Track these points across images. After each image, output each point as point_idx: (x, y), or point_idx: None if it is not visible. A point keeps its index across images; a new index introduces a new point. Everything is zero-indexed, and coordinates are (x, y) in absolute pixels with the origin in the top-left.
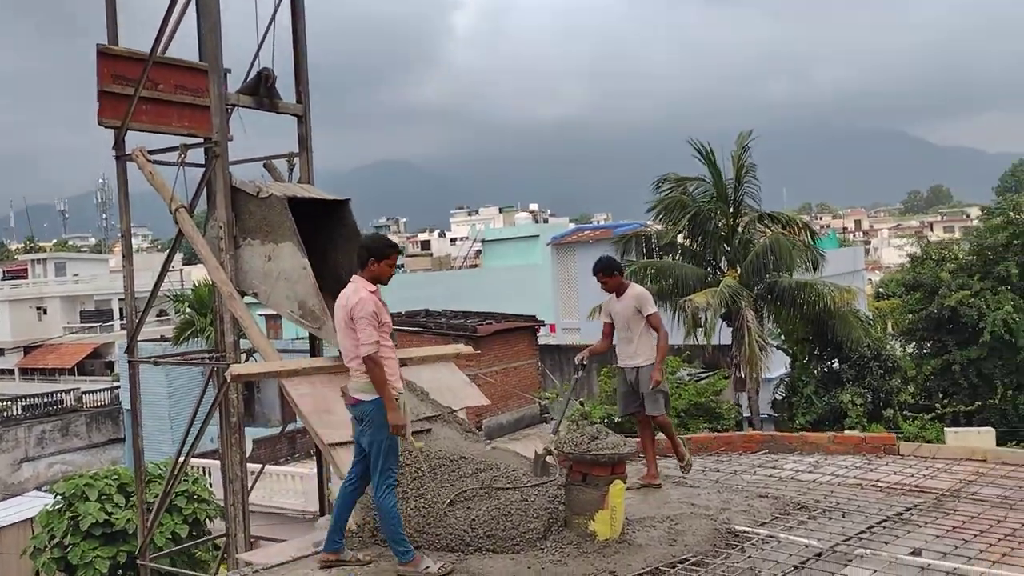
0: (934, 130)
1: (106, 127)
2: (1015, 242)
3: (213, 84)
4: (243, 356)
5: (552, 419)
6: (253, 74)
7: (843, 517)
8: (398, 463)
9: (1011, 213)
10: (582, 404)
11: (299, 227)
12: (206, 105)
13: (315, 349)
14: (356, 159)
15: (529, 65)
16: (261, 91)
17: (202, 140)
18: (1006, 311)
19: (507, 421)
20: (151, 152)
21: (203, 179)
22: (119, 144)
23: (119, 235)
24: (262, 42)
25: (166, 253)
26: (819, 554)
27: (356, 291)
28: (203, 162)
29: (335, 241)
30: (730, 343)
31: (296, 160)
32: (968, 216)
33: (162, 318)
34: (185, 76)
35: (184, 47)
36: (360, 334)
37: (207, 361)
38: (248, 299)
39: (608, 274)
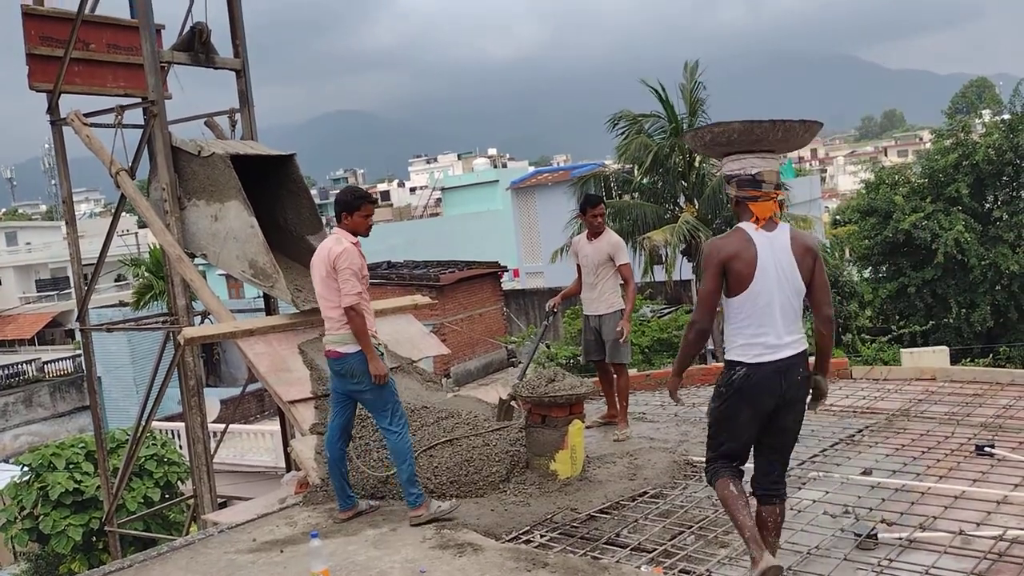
0: (886, 53)
1: (38, 91)
2: (964, 163)
3: (145, 41)
4: (198, 318)
5: (519, 363)
6: (187, 30)
7: (797, 442)
8: (400, 402)
9: (960, 134)
10: (548, 347)
11: (244, 185)
12: (141, 64)
13: (270, 307)
14: (310, 111)
15: (481, 4)
16: (196, 47)
17: (139, 100)
18: (957, 231)
19: (475, 367)
20: (87, 115)
21: (142, 140)
22: (53, 108)
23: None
24: None
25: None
26: None
27: (338, 241)
28: (142, 123)
29: (282, 197)
30: (692, 278)
31: (238, 116)
32: (921, 139)
33: (121, 283)
34: (117, 35)
35: (117, 5)
36: (343, 285)
37: (161, 326)
38: (202, 260)
39: (598, 209)
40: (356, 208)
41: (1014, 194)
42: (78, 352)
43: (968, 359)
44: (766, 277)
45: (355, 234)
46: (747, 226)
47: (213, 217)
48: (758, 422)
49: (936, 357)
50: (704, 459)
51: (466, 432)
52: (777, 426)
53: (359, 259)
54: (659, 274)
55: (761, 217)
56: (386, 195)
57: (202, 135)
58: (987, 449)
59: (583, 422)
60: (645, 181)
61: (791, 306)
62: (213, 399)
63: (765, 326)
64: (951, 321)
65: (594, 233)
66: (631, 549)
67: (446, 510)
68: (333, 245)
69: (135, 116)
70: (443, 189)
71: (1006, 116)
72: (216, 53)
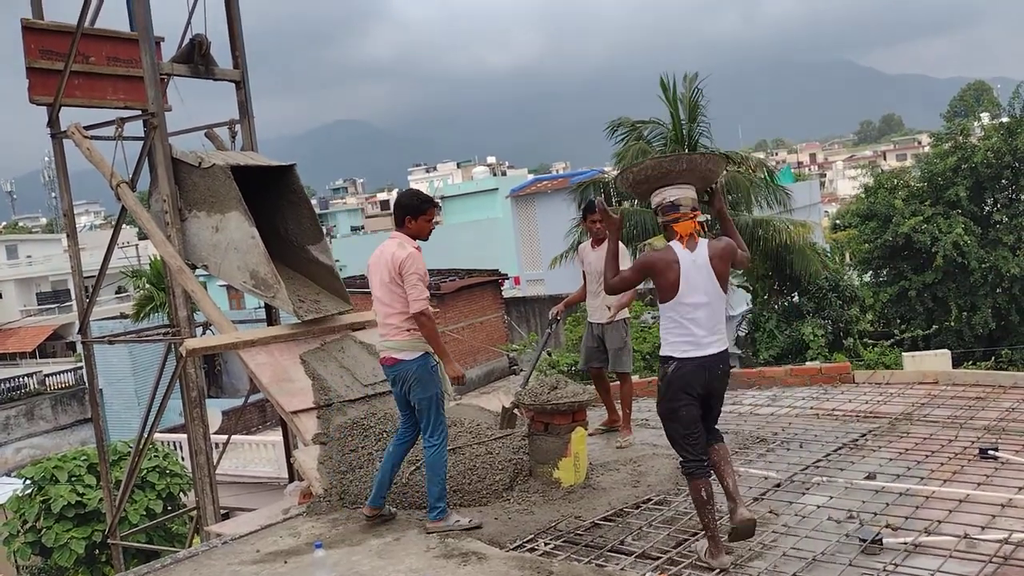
0: (882, 58)
1: (39, 104)
2: (963, 166)
3: (145, 54)
4: (199, 329)
5: (521, 371)
6: (186, 41)
7: (800, 447)
8: (447, 417)
9: (959, 138)
10: (550, 354)
11: (245, 195)
12: (141, 76)
13: (271, 318)
14: (310, 122)
15: (478, 13)
16: (196, 58)
17: (139, 112)
18: (957, 234)
19: (476, 376)
20: (87, 127)
21: (142, 152)
22: (53, 121)
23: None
24: (193, 8)
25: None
26: (778, 485)
27: (402, 246)
28: (142, 135)
29: (283, 208)
30: None
31: (238, 127)
32: (920, 143)
33: (121, 295)
34: (117, 47)
35: (116, 18)
36: (412, 291)
37: (163, 337)
38: (203, 272)
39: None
40: (422, 212)
41: (1013, 197)
42: (79, 365)
43: (970, 362)
44: (689, 286)
45: (416, 238)
46: (675, 244)
47: (214, 228)
48: (696, 403)
49: (938, 360)
50: (686, 462)
51: (469, 441)
52: (706, 407)
53: (424, 264)
54: None
55: (683, 235)
56: (385, 204)
57: (202, 147)
58: (991, 452)
59: (586, 429)
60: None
61: (713, 311)
62: (215, 410)
63: (690, 328)
64: (952, 324)
65: (598, 240)
66: (636, 556)
67: (464, 525)
68: (396, 250)
69: (135, 128)
70: (443, 197)
71: (1004, 119)
72: (216, 64)
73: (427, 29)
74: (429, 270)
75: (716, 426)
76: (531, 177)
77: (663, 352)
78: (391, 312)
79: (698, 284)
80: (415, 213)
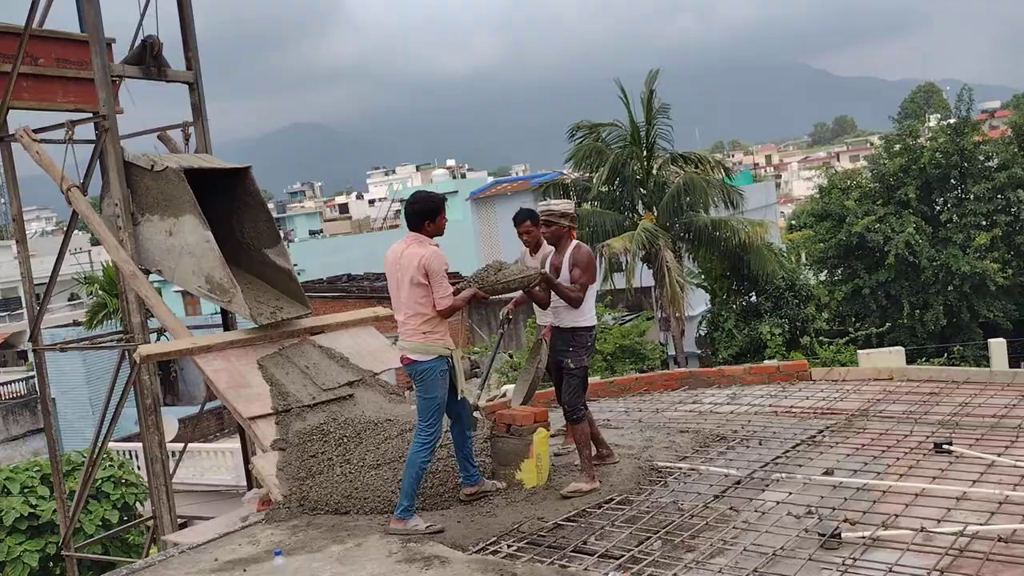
0: (835, 61)
1: None
2: (912, 167)
3: (95, 55)
4: (154, 335)
5: (482, 373)
6: (138, 43)
7: (760, 444)
8: (441, 423)
9: (908, 139)
10: (511, 356)
11: (199, 199)
12: (91, 78)
13: (228, 323)
14: (266, 125)
15: (436, 17)
16: (148, 60)
17: (90, 115)
18: (908, 234)
19: None
20: (36, 131)
21: (94, 155)
22: (1, 125)
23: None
24: (145, 9)
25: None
26: (738, 482)
27: (423, 244)
28: (93, 138)
29: (239, 211)
30: (652, 284)
31: (191, 130)
32: (872, 145)
33: (74, 302)
34: (67, 49)
35: (66, 19)
36: (438, 289)
37: (116, 344)
38: (157, 277)
39: (536, 223)
40: (438, 213)
41: (962, 196)
42: (31, 373)
43: (923, 359)
44: None
45: (433, 237)
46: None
47: (168, 232)
48: None
49: (892, 357)
50: (579, 409)
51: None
52: None
53: (446, 260)
54: (619, 281)
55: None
56: (344, 208)
57: (155, 149)
58: (945, 446)
59: (548, 431)
60: (604, 189)
61: None
62: (171, 418)
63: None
64: (905, 322)
65: (532, 248)
66: (598, 556)
67: (421, 531)
68: (418, 248)
69: (86, 131)
70: (402, 201)
71: (952, 120)
72: (168, 66)
73: (385, 33)
74: (383, 273)
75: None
76: (491, 180)
77: (586, 323)
78: (409, 314)
79: None
80: (433, 216)
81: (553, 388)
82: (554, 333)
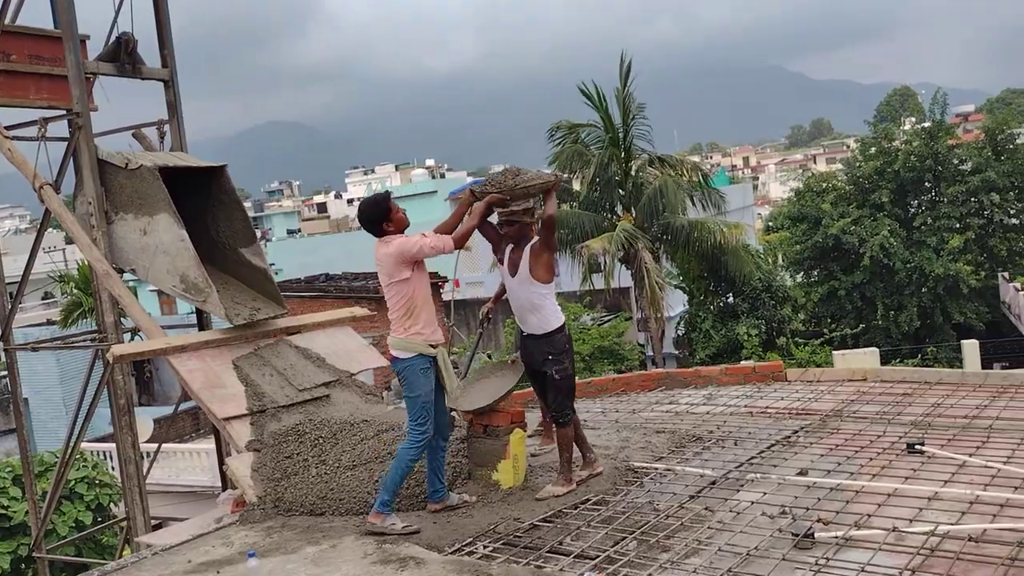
0: (811, 64)
1: None
2: (887, 170)
3: (69, 52)
4: (128, 335)
5: (460, 373)
6: (113, 40)
7: (735, 445)
8: (430, 421)
9: (883, 143)
10: (490, 357)
11: (174, 197)
12: (65, 75)
13: (203, 323)
14: (244, 123)
15: (416, 16)
16: (123, 57)
17: (63, 112)
18: (883, 236)
19: None
20: (9, 128)
21: (67, 153)
22: None
23: None
24: (120, 6)
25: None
26: (713, 482)
27: (388, 241)
28: (67, 136)
29: (214, 210)
30: (631, 285)
31: (167, 128)
32: (848, 147)
33: (48, 301)
34: (40, 45)
35: (39, 15)
36: (426, 248)
37: (89, 343)
38: (132, 276)
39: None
40: (389, 211)
41: (936, 199)
42: (3, 373)
43: (897, 360)
44: None
45: (402, 231)
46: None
47: (142, 231)
48: None
49: (867, 358)
50: (566, 413)
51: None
52: None
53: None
54: (598, 282)
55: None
56: (323, 207)
57: (129, 147)
58: (917, 447)
59: (524, 431)
60: (580, 189)
61: None
62: (146, 418)
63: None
64: (880, 323)
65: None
66: (574, 557)
67: (398, 530)
68: (386, 248)
69: (60, 128)
70: None
71: (927, 124)
72: (143, 63)
73: (365, 32)
74: (364, 273)
75: None
76: (470, 180)
77: (556, 323)
78: (392, 310)
79: None
80: (384, 216)
81: (532, 389)
82: (529, 343)
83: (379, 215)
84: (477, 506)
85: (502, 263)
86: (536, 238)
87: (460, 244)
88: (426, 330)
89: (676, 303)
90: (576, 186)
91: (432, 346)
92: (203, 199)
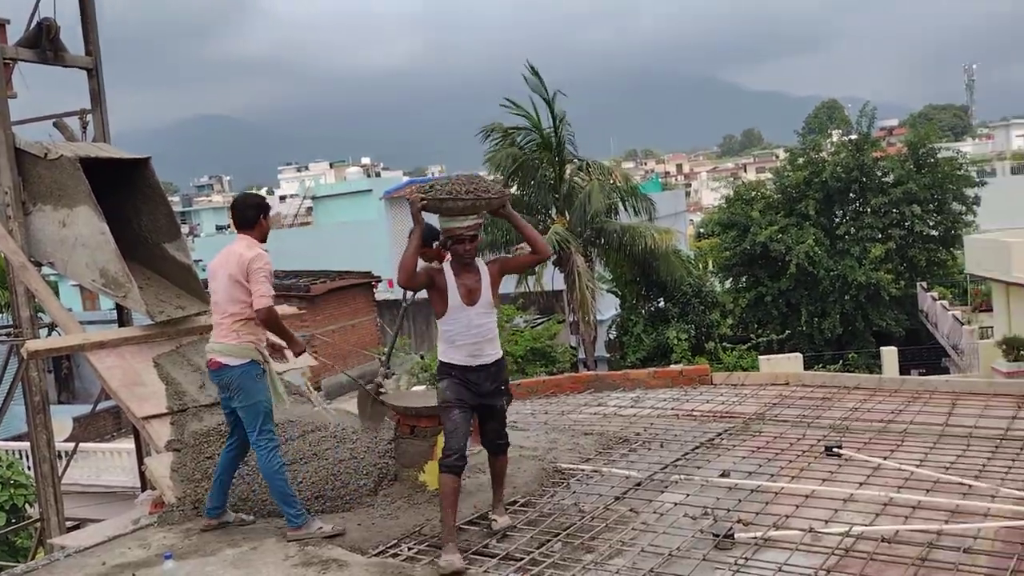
0: (744, 75)
1: None
2: (815, 180)
3: None
4: (44, 330)
5: (393, 373)
6: (34, 25)
7: (661, 447)
8: (274, 423)
9: (811, 153)
10: (422, 357)
11: (96, 189)
12: None
13: (123, 319)
14: (173, 115)
15: (355, 11)
16: (44, 43)
17: None
18: (808, 245)
19: (347, 380)
20: None
21: None
22: None
23: None
24: None
25: None
26: (639, 484)
27: (251, 246)
28: None
29: (137, 203)
30: (564, 288)
31: (89, 117)
32: (778, 157)
33: None
34: None
35: None
36: (259, 287)
37: (4, 339)
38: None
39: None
40: (268, 208)
41: (860, 210)
42: None
43: (820, 365)
44: None
45: (263, 240)
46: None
47: (61, 223)
48: None
49: (790, 363)
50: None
51: (332, 445)
52: None
53: (271, 265)
54: (531, 284)
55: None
56: None
57: (50, 137)
58: (835, 450)
59: None
60: (517, 192)
61: None
62: (65, 416)
63: None
64: (804, 329)
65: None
66: (499, 559)
67: (327, 532)
68: (244, 250)
69: None
70: (314, 198)
71: (854, 136)
72: (66, 51)
73: (303, 26)
74: (299, 271)
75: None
76: (406, 179)
77: (499, 351)
78: (225, 313)
79: None
80: (266, 210)
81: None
82: (480, 375)
83: (263, 206)
84: (403, 507)
85: (441, 290)
86: (491, 259)
87: (264, 318)
88: (261, 341)
89: (608, 307)
90: (511, 189)
91: (262, 355)
92: (126, 192)
